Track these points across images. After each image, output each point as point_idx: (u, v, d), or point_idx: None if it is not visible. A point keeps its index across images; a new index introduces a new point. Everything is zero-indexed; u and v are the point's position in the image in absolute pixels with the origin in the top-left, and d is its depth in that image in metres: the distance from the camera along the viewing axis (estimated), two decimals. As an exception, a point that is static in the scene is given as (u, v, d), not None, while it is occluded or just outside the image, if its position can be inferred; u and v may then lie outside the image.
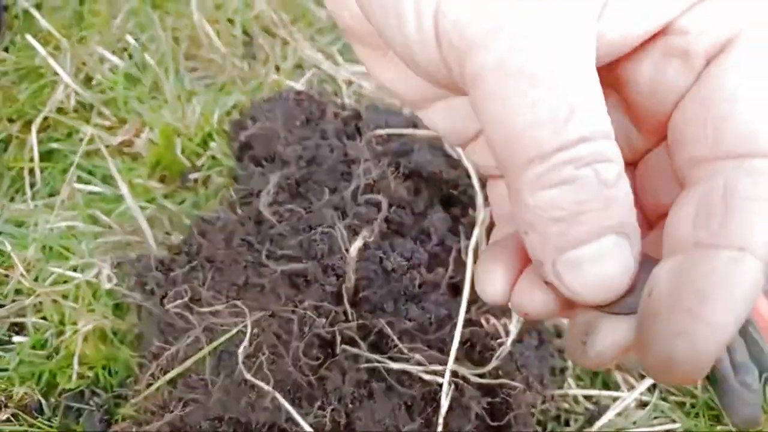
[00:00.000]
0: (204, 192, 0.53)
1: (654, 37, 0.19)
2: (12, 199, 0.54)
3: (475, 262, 0.43)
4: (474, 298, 0.42)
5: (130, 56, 0.60)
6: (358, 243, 0.39)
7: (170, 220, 0.50)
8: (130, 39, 0.59)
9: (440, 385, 0.38)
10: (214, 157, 0.54)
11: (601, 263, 0.18)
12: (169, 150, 0.54)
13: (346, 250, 0.41)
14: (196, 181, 0.53)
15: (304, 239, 0.42)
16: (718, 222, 0.17)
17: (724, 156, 0.18)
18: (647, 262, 0.19)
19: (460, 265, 0.44)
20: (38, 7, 0.63)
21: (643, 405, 0.46)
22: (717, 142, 0.18)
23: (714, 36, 0.18)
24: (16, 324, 0.47)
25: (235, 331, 0.37)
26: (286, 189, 0.46)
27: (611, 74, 0.20)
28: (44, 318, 0.46)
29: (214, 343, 0.37)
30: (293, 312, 0.38)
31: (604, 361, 0.19)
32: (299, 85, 0.59)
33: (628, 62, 0.20)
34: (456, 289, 0.43)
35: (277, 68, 0.62)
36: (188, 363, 0.38)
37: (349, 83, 0.63)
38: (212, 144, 0.54)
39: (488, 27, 0.17)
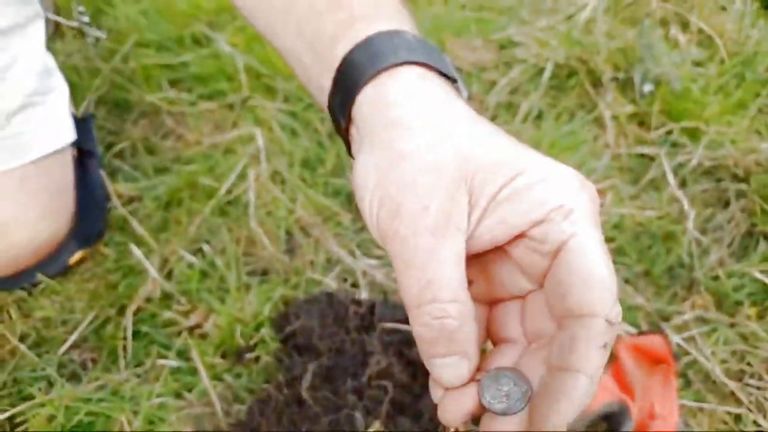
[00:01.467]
0: (256, 368, 0.70)
1: (521, 236, 0.32)
2: (108, 370, 0.72)
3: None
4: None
5: (204, 256, 0.79)
6: (371, 430, 0.56)
7: (232, 392, 0.67)
8: (204, 246, 0.79)
9: None
10: (263, 340, 0.72)
11: (447, 369, 0.31)
12: (230, 334, 0.72)
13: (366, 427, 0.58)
14: (251, 359, 0.71)
15: (333, 419, 0.59)
16: (566, 354, 0.29)
17: (570, 315, 0.30)
18: (519, 375, 0.32)
19: (446, 439, 0.60)
20: (133, 213, 0.84)
21: None
22: (564, 308, 0.30)
23: (552, 241, 0.31)
24: (116, 474, 0.63)
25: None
26: (319, 375, 0.64)
27: (507, 249, 0.33)
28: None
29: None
30: (326, 477, 0.54)
31: None
32: (330, 281, 0.78)
33: (511, 247, 0.33)
34: (442, 458, 0.59)
35: (312, 263, 0.82)
36: None
37: (365, 274, 0.82)
38: (263, 330, 0.73)
39: (394, 229, 0.31)
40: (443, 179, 0.31)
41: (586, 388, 0.29)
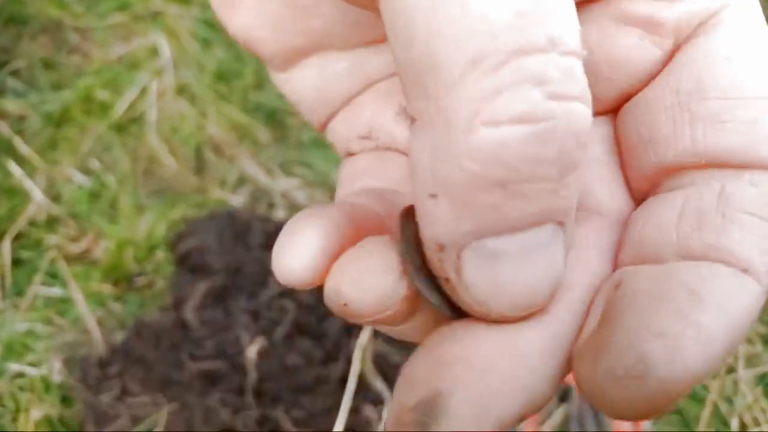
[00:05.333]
0: (149, 293, 0.62)
1: None
2: (-16, 301, 0.63)
3: (361, 359, 0.53)
4: (358, 389, 0.51)
5: (97, 177, 0.70)
6: (254, 347, 0.49)
7: (117, 319, 0.59)
8: (94, 163, 0.70)
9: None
10: (158, 264, 0.64)
11: (528, 263, 0.12)
12: (121, 258, 0.64)
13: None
14: (143, 284, 0.63)
15: (219, 341, 0.51)
16: (714, 233, 0.13)
17: (717, 164, 0.14)
18: None
19: (350, 361, 0.53)
20: (19, 133, 0.74)
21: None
22: (706, 147, 0.13)
23: (696, 6, 0.14)
24: (-23, 411, 0.55)
25: (152, 417, 0.46)
26: (211, 295, 0.56)
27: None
28: (2, 405, 0.54)
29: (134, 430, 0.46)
30: (203, 403, 0.47)
31: None
32: (237, 200, 0.70)
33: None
34: (345, 381, 0.52)
35: (223, 182, 0.73)
36: (117, 446, 0.47)
37: (284, 195, 0.74)
38: (157, 252, 0.64)
39: None
40: None
41: (758, 302, 0.12)
